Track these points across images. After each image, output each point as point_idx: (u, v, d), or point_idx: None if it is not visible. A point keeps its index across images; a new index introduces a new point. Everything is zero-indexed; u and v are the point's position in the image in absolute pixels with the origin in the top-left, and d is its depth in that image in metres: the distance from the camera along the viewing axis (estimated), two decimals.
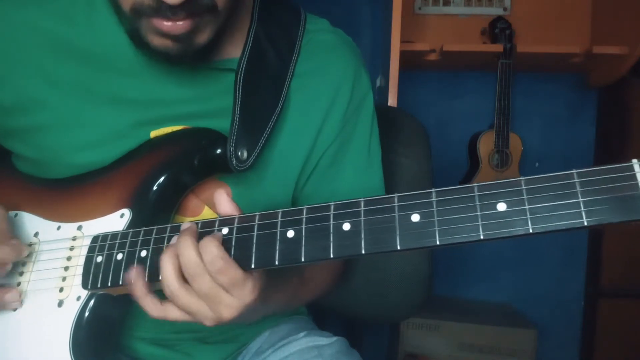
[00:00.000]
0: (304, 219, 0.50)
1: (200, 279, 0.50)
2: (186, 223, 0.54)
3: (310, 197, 0.73)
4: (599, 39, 1.76)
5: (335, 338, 0.73)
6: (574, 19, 1.84)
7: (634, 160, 0.39)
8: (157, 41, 0.58)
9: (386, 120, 0.96)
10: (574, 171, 0.41)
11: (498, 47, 1.68)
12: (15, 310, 0.63)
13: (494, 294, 1.95)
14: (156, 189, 0.62)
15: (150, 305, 0.53)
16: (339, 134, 0.72)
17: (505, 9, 1.87)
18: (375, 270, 0.91)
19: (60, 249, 0.64)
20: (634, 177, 0.39)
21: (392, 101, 1.49)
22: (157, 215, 0.62)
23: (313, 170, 0.72)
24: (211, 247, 0.49)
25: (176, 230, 0.55)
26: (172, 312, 0.53)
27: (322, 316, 0.91)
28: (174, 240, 0.53)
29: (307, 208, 0.50)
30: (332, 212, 0.49)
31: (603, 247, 1.88)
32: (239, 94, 0.64)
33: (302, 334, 0.74)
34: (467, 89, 1.95)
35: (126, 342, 0.70)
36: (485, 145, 1.76)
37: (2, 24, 0.66)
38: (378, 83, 1.74)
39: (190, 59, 0.61)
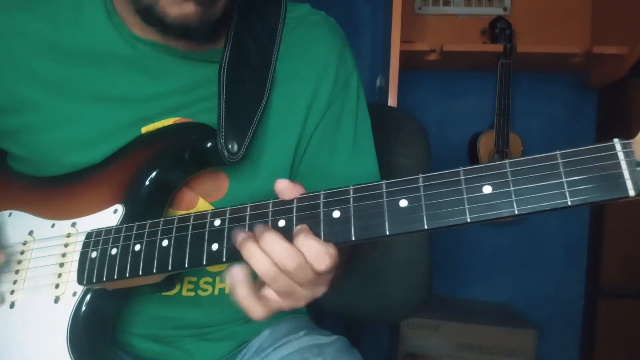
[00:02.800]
0: (294, 208, 0.50)
1: (304, 274, 0.49)
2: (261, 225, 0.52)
3: (306, 179, 0.73)
4: (599, 39, 1.76)
5: (335, 337, 0.74)
6: (574, 19, 1.84)
7: (615, 140, 0.40)
8: (175, 11, 0.59)
9: (386, 120, 0.96)
10: (557, 152, 0.42)
11: (498, 47, 1.69)
12: (12, 308, 0.64)
13: (494, 294, 1.95)
14: (148, 184, 0.63)
15: (257, 308, 0.51)
16: (326, 113, 0.72)
17: (505, 9, 1.87)
18: (375, 270, 0.91)
19: (55, 246, 0.64)
20: (615, 156, 0.40)
21: (392, 101, 1.49)
22: (150, 209, 0.63)
23: (304, 152, 0.73)
24: (311, 244, 0.48)
25: (170, 223, 0.56)
26: (274, 304, 0.52)
27: (321, 316, 0.91)
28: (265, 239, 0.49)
29: (297, 198, 0.51)
30: (322, 200, 0.49)
31: (603, 247, 1.88)
32: (223, 87, 0.65)
33: (302, 333, 0.74)
34: (467, 89, 1.95)
35: (126, 339, 0.70)
36: (485, 145, 1.76)
37: None
38: (378, 83, 1.74)
39: (204, 33, 0.63)
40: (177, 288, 0.70)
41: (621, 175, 0.39)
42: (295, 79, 0.71)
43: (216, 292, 0.72)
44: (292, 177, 0.73)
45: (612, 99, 1.85)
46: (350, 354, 0.71)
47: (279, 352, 0.72)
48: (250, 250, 0.49)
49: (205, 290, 0.71)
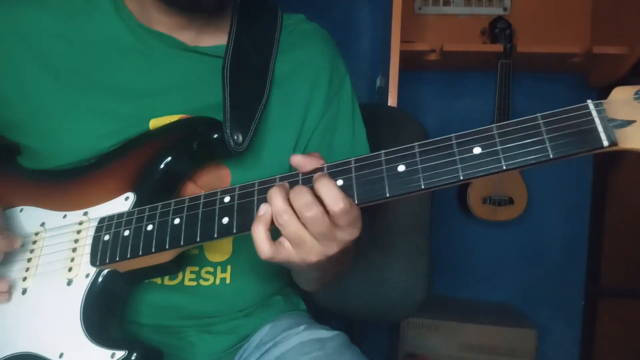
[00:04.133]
0: (300, 180, 0.54)
1: (320, 222, 0.51)
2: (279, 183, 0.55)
3: None
4: (599, 39, 1.76)
5: (336, 332, 0.75)
6: (574, 19, 1.84)
7: (589, 100, 0.46)
8: None
9: (386, 120, 0.97)
10: (539, 114, 0.47)
11: (498, 47, 1.69)
12: (24, 294, 0.65)
13: (494, 294, 1.95)
14: (160, 171, 0.65)
15: (264, 244, 0.52)
16: (324, 114, 0.77)
17: (505, 9, 1.87)
18: (375, 270, 0.91)
19: (68, 233, 0.66)
20: (589, 114, 0.45)
21: (392, 101, 1.49)
22: (159, 198, 0.64)
23: (304, 151, 0.75)
24: (331, 189, 0.50)
25: (181, 203, 0.59)
26: (282, 252, 0.53)
27: (322, 315, 0.91)
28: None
29: (302, 172, 0.54)
30: (325, 172, 0.53)
31: (603, 247, 1.88)
32: (227, 82, 0.69)
33: (302, 327, 0.75)
34: (467, 89, 1.95)
35: (132, 329, 0.71)
36: None
37: (3, 21, 0.70)
38: (378, 83, 1.74)
39: (212, 5, 0.66)
40: (180, 277, 0.71)
41: (595, 130, 0.45)
42: (291, 80, 0.75)
43: (217, 282, 0.73)
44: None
45: None
46: (351, 349, 0.73)
47: (280, 346, 0.73)
48: (271, 192, 0.52)
49: (207, 279, 0.73)
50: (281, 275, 0.85)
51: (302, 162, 0.54)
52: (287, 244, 0.53)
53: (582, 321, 1.93)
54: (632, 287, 1.85)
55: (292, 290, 0.88)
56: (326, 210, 0.51)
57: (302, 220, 0.51)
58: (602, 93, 1.88)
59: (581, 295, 1.93)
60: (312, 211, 0.50)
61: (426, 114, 1.91)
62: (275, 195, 0.52)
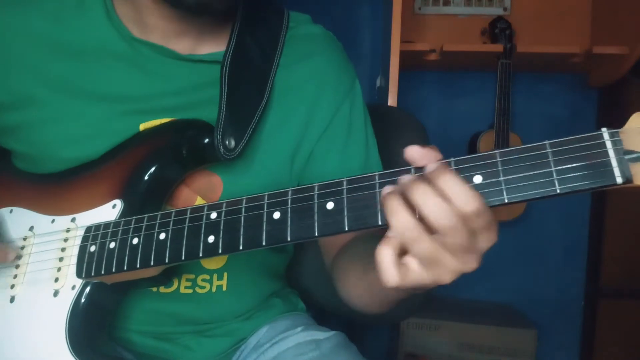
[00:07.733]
0: (289, 200, 0.51)
1: (457, 231, 0.41)
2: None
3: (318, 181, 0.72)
4: (599, 39, 1.75)
5: (333, 332, 0.74)
6: (574, 19, 1.84)
7: (603, 129, 0.41)
8: None
9: (386, 120, 0.97)
10: (547, 142, 0.42)
11: (498, 47, 1.68)
12: (12, 302, 0.65)
13: (494, 294, 1.95)
14: (147, 179, 0.64)
15: (392, 270, 0.43)
16: (333, 118, 0.73)
17: (505, 9, 1.87)
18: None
19: (55, 241, 0.65)
20: (603, 145, 0.40)
21: (392, 101, 1.49)
22: (148, 205, 0.63)
23: (311, 155, 0.73)
24: (458, 185, 0.40)
25: (167, 217, 0.57)
26: (410, 275, 0.43)
27: (322, 315, 0.91)
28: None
29: (292, 190, 0.51)
30: (316, 192, 0.50)
31: (603, 247, 1.88)
32: (225, 85, 0.66)
33: (299, 329, 0.75)
34: (467, 89, 1.94)
35: (125, 336, 0.71)
36: (485, 145, 1.76)
37: None
38: (378, 83, 1.74)
39: (221, 10, 0.63)
40: (175, 285, 0.71)
41: (609, 164, 0.40)
42: (294, 86, 0.72)
43: (214, 290, 0.73)
44: (299, 181, 0.74)
45: (612, 99, 1.85)
46: (347, 348, 0.72)
47: (276, 347, 0.73)
48: (390, 204, 0.42)
49: (203, 287, 0.72)
50: (279, 277, 0.85)
51: (420, 154, 0.45)
52: (415, 264, 0.43)
53: (582, 321, 1.93)
54: (632, 288, 1.85)
55: (291, 290, 0.88)
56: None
57: (435, 230, 0.41)
58: (602, 93, 1.88)
59: (581, 295, 1.93)
60: (446, 218, 0.40)
61: (426, 114, 1.91)
62: (398, 208, 0.41)
